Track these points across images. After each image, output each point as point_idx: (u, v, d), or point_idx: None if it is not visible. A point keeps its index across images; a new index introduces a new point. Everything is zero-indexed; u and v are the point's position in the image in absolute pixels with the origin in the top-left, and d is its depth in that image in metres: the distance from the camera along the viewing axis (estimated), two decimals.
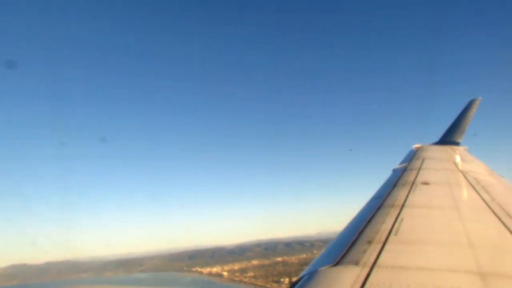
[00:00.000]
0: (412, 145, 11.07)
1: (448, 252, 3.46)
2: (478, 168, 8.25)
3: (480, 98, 13.05)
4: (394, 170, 8.03)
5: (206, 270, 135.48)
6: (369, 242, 3.66)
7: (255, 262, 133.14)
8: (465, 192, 6.12)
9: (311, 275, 3.15)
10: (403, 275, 2.91)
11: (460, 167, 8.23)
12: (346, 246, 3.66)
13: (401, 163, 8.75)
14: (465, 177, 7.07)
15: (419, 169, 7.59)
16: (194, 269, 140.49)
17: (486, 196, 5.62)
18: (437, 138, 12.29)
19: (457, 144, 11.51)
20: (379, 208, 4.95)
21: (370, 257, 3.27)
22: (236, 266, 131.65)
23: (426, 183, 6.31)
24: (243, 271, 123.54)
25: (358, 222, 4.53)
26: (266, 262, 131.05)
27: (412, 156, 9.37)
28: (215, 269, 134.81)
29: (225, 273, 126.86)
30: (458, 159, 9.23)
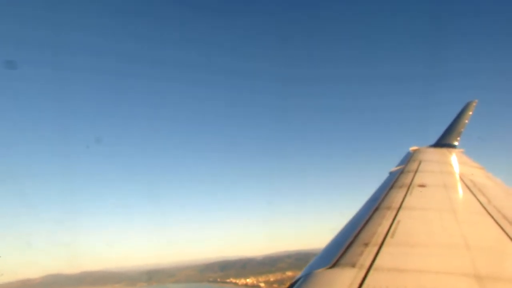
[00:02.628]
0: (408, 147, 11.08)
1: (444, 254, 3.46)
2: (474, 170, 8.26)
3: (476, 100, 13.08)
4: (391, 172, 8.03)
5: (241, 281, 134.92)
6: (366, 245, 3.64)
7: (289, 273, 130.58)
8: (462, 195, 6.12)
9: (307, 277, 3.13)
10: (399, 277, 2.90)
11: (456, 169, 8.24)
12: (342, 248, 3.64)
13: (398, 165, 8.75)
14: (461, 179, 7.07)
15: (416, 171, 7.58)
16: (228, 280, 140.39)
17: (482, 199, 5.62)
18: (433, 140, 12.30)
19: (453, 146, 11.53)
20: (375, 210, 4.94)
21: (366, 259, 3.26)
22: (271, 278, 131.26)
23: (422, 186, 6.31)
24: (280, 282, 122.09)
25: (355, 224, 4.52)
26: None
27: (408, 158, 9.37)
28: (249, 280, 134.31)
29: (262, 285, 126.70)
30: (454, 161, 9.24)
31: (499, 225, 4.38)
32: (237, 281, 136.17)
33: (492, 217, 4.69)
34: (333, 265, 3.24)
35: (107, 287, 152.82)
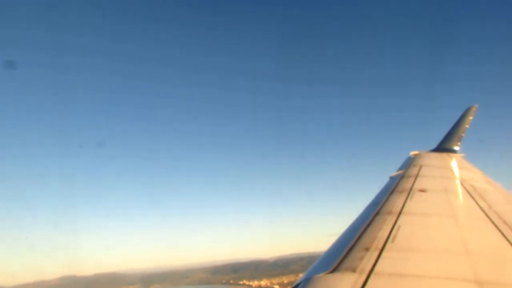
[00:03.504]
0: (409, 152, 11.08)
1: (445, 260, 3.45)
2: (475, 175, 8.26)
3: (477, 105, 13.11)
4: (391, 177, 8.03)
5: (254, 283, 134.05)
6: (366, 249, 3.64)
7: (302, 275, 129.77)
8: (462, 200, 6.12)
9: (308, 282, 3.13)
10: (400, 282, 2.90)
11: (457, 174, 8.25)
12: (343, 253, 3.64)
13: (398, 170, 8.75)
14: (462, 184, 7.07)
15: (416, 176, 7.59)
16: (241, 282, 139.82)
17: (483, 204, 5.62)
18: (434, 145, 12.31)
19: (454, 151, 11.54)
20: (376, 215, 4.94)
21: (367, 264, 3.25)
22: (285, 280, 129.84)
23: (423, 191, 6.31)
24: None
25: (355, 229, 4.51)
26: None
27: (409, 163, 9.38)
28: (263, 283, 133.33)
29: (276, 287, 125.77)
30: (455, 166, 9.25)
31: (499, 230, 4.38)
32: (251, 283, 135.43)
33: (493, 222, 4.69)
34: (334, 270, 3.24)
35: None
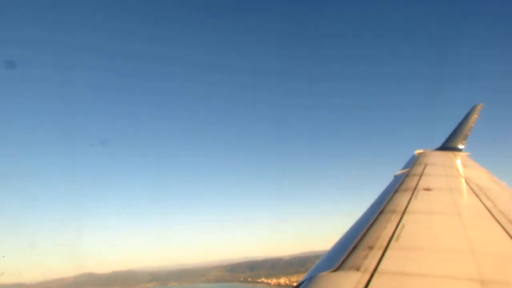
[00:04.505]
0: (413, 150, 11.04)
1: (449, 259, 3.44)
2: (480, 174, 8.21)
3: (482, 104, 13.03)
4: (396, 176, 8.00)
5: (273, 281, 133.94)
6: (370, 248, 3.63)
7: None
8: (467, 199, 6.09)
9: (311, 280, 3.13)
10: (404, 281, 2.89)
11: (462, 173, 8.20)
12: (346, 251, 3.64)
13: (403, 168, 8.72)
14: (467, 183, 7.03)
15: (421, 175, 7.55)
16: (259, 280, 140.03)
17: (488, 203, 5.58)
18: (439, 143, 12.25)
19: (459, 150, 11.48)
20: (380, 213, 4.93)
21: (371, 263, 3.25)
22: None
23: (428, 189, 6.28)
24: None
25: (359, 227, 4.51)
26: None
27: (413, 161, 9.34)
28: (282, 281, 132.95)
29: (295, 285, 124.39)
30: (460, 165, 9.20)
31: (504, 229, 4.35)
32: (269, 281, 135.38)
33: (498, 221, 4.67)
34: (337, 268, 3.24)
35: (140, 286, 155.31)
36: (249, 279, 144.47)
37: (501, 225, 4.52)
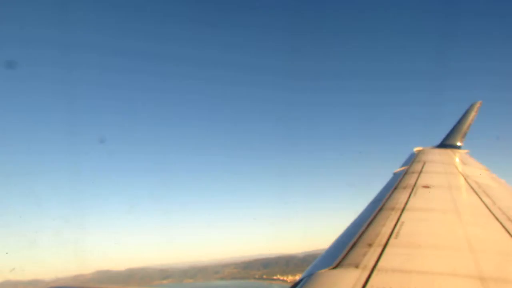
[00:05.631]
0: (412, 148, 11.05)
1: (448, 256, 3.44)
2: (479, 171, 8.22)
3: (481, 101, 13.04)
4: (395, 173, 8.01)
5: (289, 278, 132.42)
6: (369, 245, 3.63)
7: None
8: (466, 196, 6.09)
9: (311, 277, 3.13)
10: (403, 278, 2.89)
11: (461, 170, 8.21)
12: (346, 248, 3.64)
13: (402, 166, 8.73)
14: (466, 180, 7.04)
15: (420, 172, 7.56)
16: (275, 277, 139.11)
17: (487, 200, 5.59)
18: (438, 141, 12.28)
19: (458, 147, 11.49)
20: (379, 211, 4.93)
21: (370, 260, 3.25)
22: None
23: (427, 187, 6.29)
24: None
25: (358, 224, 4.51)
26: None
27: (412, 159, 9.35)
28: (298, 278, 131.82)
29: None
30: (459, 162, 9.21)
31: (503, 226, 4.36)
32: (285, 278, 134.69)
33: (497, 218, 4.67)
34: (337, 266, 3.24)
35: (156, 283, 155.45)
36: (264, 276, 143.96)
37: (500, 222, 4.53)
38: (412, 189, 6.06)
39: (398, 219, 4.46)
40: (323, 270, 3.19)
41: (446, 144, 11.81)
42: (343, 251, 3.56)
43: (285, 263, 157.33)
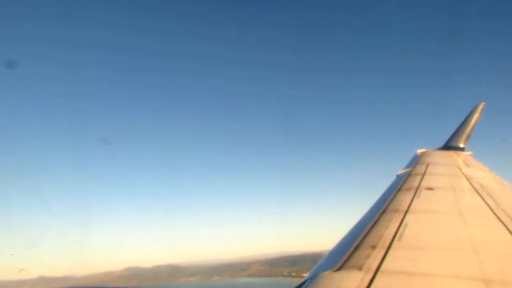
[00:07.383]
0: (416, 150, 11.02)
1: (452, 258, 3.43)
2: (483, 173, 8.19)
3: (484, 103, 13.00)
4: (398, 175, 7.99)
5: None
6: (373, 247, 3.63)
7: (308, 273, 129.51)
8: (470, 198, 6.07)
9: (314, 280, 3.12)
10: (407, 281, 2.89)
11: (465, 172, 8.18)
12: (349, 250, 3.63)
13: (405, 168, 8.71)
14: (470, 182, 7.01)
15: (424, 174, 7.54)
16: (304, 275, 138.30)
17: (491, 202, 5.57)
18: (441, 143, 12.24)
19: (461, 149, 11.46)
20: (383, 213, 4.92)
21: (373, 262, 3.24)
22: None
23: (430, 189, 6.27)
24: None
25: (362, 226, 4.50)
26: None
27: (416, 161, 9.32)
28: None
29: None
30: (462, 164, 9.18)
31: (507, 228, 4.34)
32: None
33: (501, 220, 4.65)
34: (340, 268, 3.23)
35: (183, 280, 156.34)
36: (294, 274, 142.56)
37: (504, 224, 4.51)
38: (416, 191, 6.05)
39: (402, 221, 4.45)
40: (326, 272, 3.19)
41: (449, 146, 11.77)
42: (346, 253, 3.56)
43: (312, 260, 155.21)
